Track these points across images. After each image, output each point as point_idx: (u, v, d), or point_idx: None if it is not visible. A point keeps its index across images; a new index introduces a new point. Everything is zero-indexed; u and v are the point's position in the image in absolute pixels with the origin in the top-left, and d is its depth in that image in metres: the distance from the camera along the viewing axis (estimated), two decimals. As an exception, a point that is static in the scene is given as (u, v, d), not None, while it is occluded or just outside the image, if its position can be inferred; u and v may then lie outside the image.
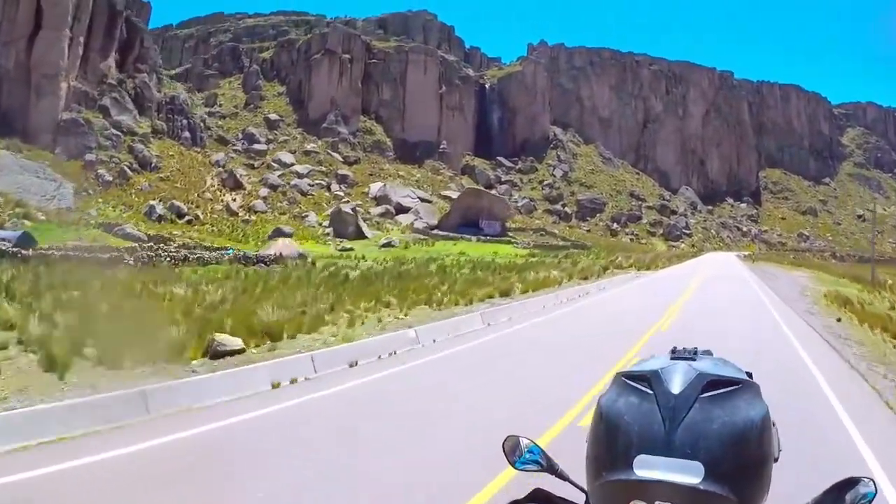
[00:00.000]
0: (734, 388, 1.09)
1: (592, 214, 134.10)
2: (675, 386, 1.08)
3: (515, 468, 1.48)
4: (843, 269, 59.00)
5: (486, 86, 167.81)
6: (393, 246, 66.71)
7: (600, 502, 1.12)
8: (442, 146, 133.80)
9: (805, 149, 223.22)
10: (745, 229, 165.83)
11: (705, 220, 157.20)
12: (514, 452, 1.48)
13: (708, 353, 1.23)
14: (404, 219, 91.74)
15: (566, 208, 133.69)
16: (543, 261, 49.33)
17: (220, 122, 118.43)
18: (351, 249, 60.22)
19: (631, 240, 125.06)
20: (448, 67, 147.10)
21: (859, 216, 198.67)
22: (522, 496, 1.35)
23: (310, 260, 40.80)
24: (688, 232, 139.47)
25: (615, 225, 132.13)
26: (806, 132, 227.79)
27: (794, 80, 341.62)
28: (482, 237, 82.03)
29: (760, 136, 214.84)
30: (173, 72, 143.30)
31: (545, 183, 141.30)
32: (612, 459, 1.08)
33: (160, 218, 69.22)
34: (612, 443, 1.10)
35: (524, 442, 1.47)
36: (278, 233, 68.70)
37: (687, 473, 1.01)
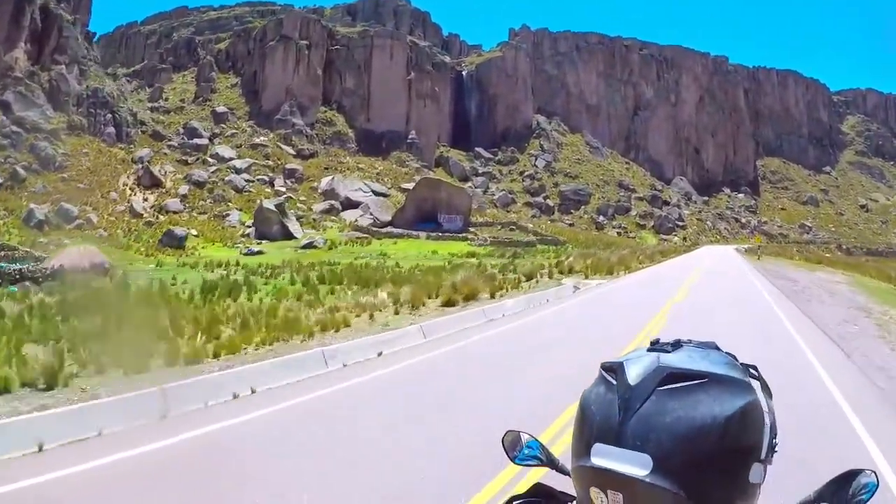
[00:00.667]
0: (698, 382, 1.05)
1: (577, 207, 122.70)
2: (633, 377, 1.07)
3: (515, 463, 1.47)
4: (877, 266, 47.01)
5: (464, 73, 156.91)
6: (315, 247, 55.69)
7: (575, 487, 1.14)
8: (411, 136, 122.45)
9: (804, 137, 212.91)
10: (743, 220, 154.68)
11: (700, 212, 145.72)
12: (515, 447, 1.47)
13: (707, 344, 1.16)
14: (351, 215, 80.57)
15: (548, 200, 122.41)
16: (476, 261, 37.77)
17: (161, 117, 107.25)
18: (260, 253, 49.20)
19: (619, 233, 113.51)
20: (419, 53, 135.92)
21: (862, 206, 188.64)
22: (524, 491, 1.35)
23: (109, 275, 29.93)
24: (681, 224, 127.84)
25: (601, 218, 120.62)
26: (805, 120, 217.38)
27: (791, 66, 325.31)
28: (441, 233, 70.85)
29: (757, 123, 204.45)
30: (130, 69, 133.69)
31: (526, 174, 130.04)
32: (578, 447, 1.10)
33: (41, 224, 58.15)
34: (580, 430, 1.12)
35: (524, 437, 1.46)
36: (169, 236, 58.08)
37: (635, 465, 1.01)
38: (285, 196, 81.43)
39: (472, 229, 75.88)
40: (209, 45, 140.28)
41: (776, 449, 1.10)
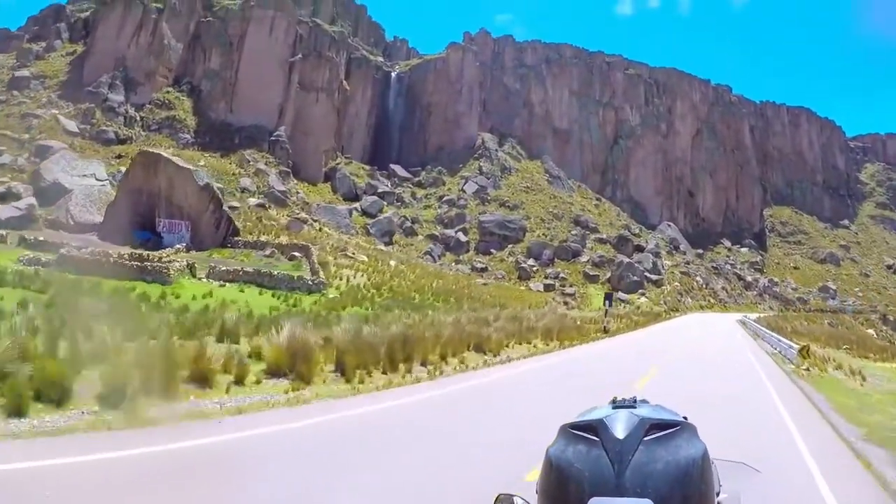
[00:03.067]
0: (673, 429, 1.13)
1: (502, 245, 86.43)
2: (620, 431, 1.12)
3: None
4: None
5: (393, 74, 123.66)
6: None
7: None
8: (277, 134, 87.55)
9: (819, 185, 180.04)
10: (749, 279, 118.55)
11: (688, 264, 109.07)
12: None
13: (645, 401, 1.27)
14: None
15: (462, 235, 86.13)
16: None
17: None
18: None
19: (550, 286, 75.46)
20: (316, 33, 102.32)
21: (889, 267, 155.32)
22: None
23: None
24: (655, 278, 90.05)
25: (531, 261, 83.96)
26: (819, 166, 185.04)
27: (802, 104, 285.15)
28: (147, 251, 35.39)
29: (765, 167, 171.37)
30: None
31: (445, 199, 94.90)
32: None
33: None
34: (563, 490, 1.12)
35: (517, 501, 1.46)
36: None
37: None
38: None
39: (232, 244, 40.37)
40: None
41: (721, 484, 1.22)
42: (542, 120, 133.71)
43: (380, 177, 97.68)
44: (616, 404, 1.23)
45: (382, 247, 76.18)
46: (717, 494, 1.16)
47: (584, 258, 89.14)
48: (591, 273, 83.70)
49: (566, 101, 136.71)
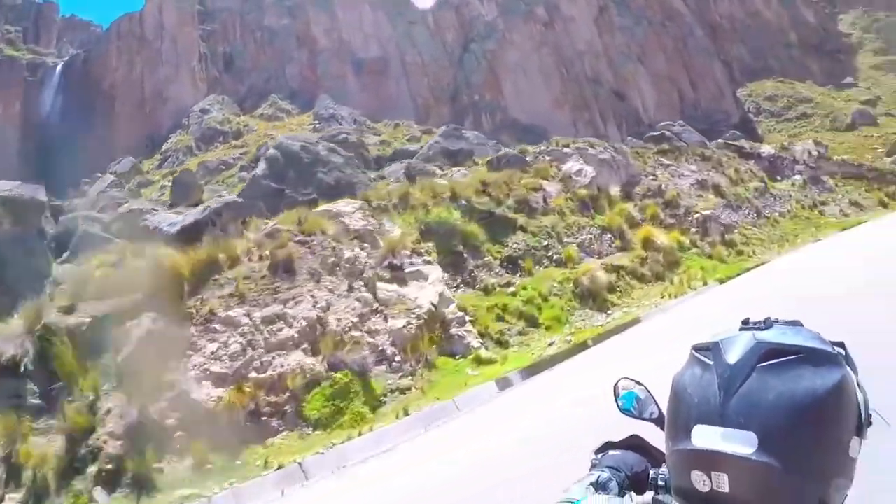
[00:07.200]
0: (796, 356, 1.02)
1: None
2: (733, 356, 1.04)
3: (621, 412, 1.53)
4: None
5: (59, 66, 71.74)
6: None
7: (671, 471, 1.11)
8: None
9: (795, 46, 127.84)
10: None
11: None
12: (620, 397, 1.52)
13: (791, 323, 1.14)
14: None
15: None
16: None
17: None
18: None
19: None
20: None
21: None
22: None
23: None
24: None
25: None
26: (787, 24, 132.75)
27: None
28: None
29: (718, 41, 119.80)
30: None
31: None
32: (676, 430, 1.07)
33: None
34: (676, 414, 1.08)
35: (629, 385, 1.52)
36: None
37: (741, 443, 0.97)
38: None
39: None
40: None
41: (871, 422, 1.07)
42: (336, 56, 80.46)
43: None
44: (745, 326, 1.11)
45: None
46: (861, 434, 1.03)
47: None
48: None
49: (369, 20, 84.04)
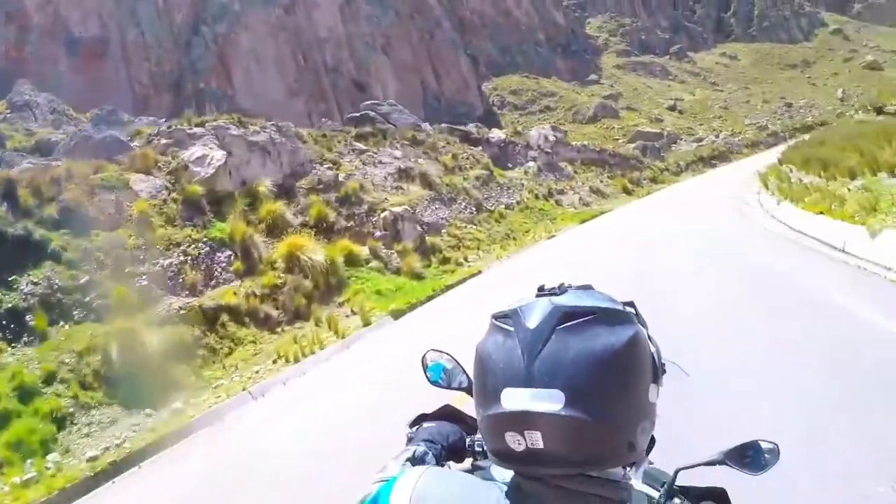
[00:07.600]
0: (592, 317, 1.09)
1: None
2: (532, 321, 1.09)
3: (430, 383, 1.57)
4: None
5: None
6: None
7: (485, 436, 1.16)
8: None
9: (543, 45, 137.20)
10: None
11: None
12: (428, 368, 1.56)
13: (583, 287, 1.21)
14: None
15: None
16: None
17: None
18: None
19: None
20: None
21: (671, 108, 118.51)
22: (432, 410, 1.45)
23: None
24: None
25: None
26: (537, 24, 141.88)
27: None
28: None
29: (467, 35, 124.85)
30: None
31: None
32: (486, 396, 1.11)
33: None
34: (484, 381, 1.13)
35: (441, 357, 1.56)
36: None
37: (549, 401, 1.03)
38: None
39: None
40: None
41: (665, 370, 1.19)
42: (49, 34, 72.49)
43: None
44: (540, 292, 1.17)
45: None
46: (657, 381, 1.14)
47: None
48: None
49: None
